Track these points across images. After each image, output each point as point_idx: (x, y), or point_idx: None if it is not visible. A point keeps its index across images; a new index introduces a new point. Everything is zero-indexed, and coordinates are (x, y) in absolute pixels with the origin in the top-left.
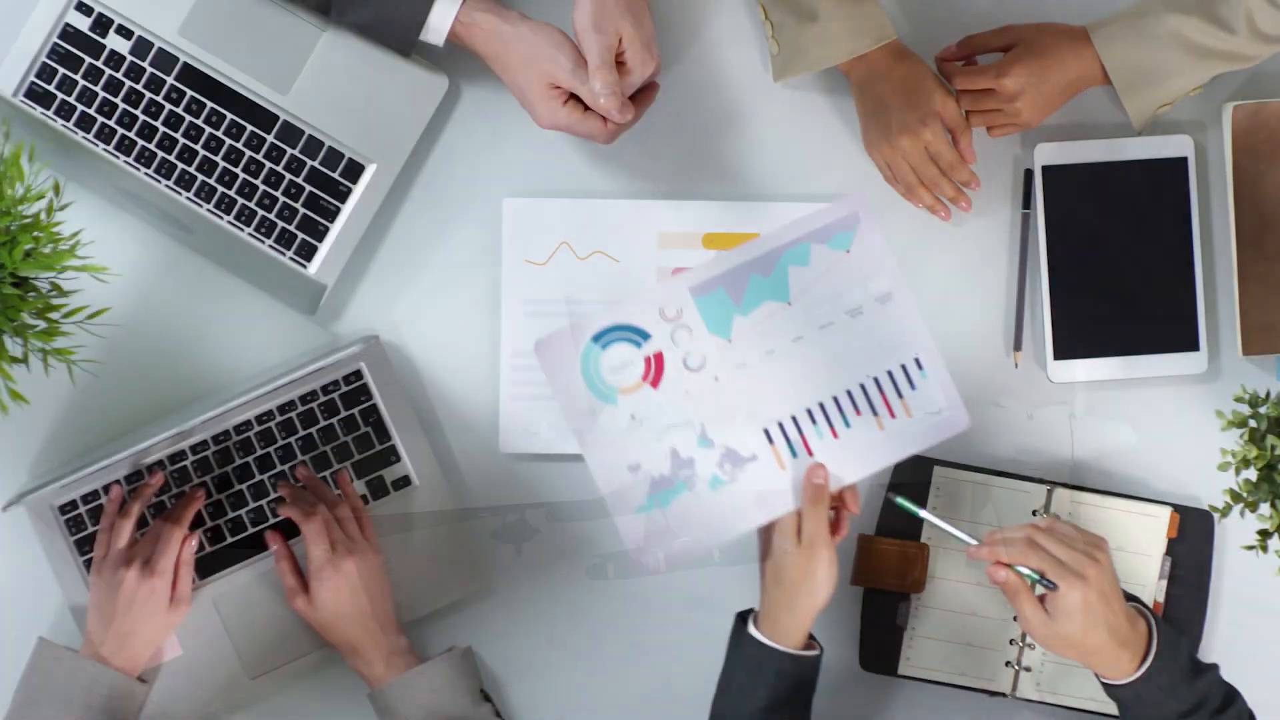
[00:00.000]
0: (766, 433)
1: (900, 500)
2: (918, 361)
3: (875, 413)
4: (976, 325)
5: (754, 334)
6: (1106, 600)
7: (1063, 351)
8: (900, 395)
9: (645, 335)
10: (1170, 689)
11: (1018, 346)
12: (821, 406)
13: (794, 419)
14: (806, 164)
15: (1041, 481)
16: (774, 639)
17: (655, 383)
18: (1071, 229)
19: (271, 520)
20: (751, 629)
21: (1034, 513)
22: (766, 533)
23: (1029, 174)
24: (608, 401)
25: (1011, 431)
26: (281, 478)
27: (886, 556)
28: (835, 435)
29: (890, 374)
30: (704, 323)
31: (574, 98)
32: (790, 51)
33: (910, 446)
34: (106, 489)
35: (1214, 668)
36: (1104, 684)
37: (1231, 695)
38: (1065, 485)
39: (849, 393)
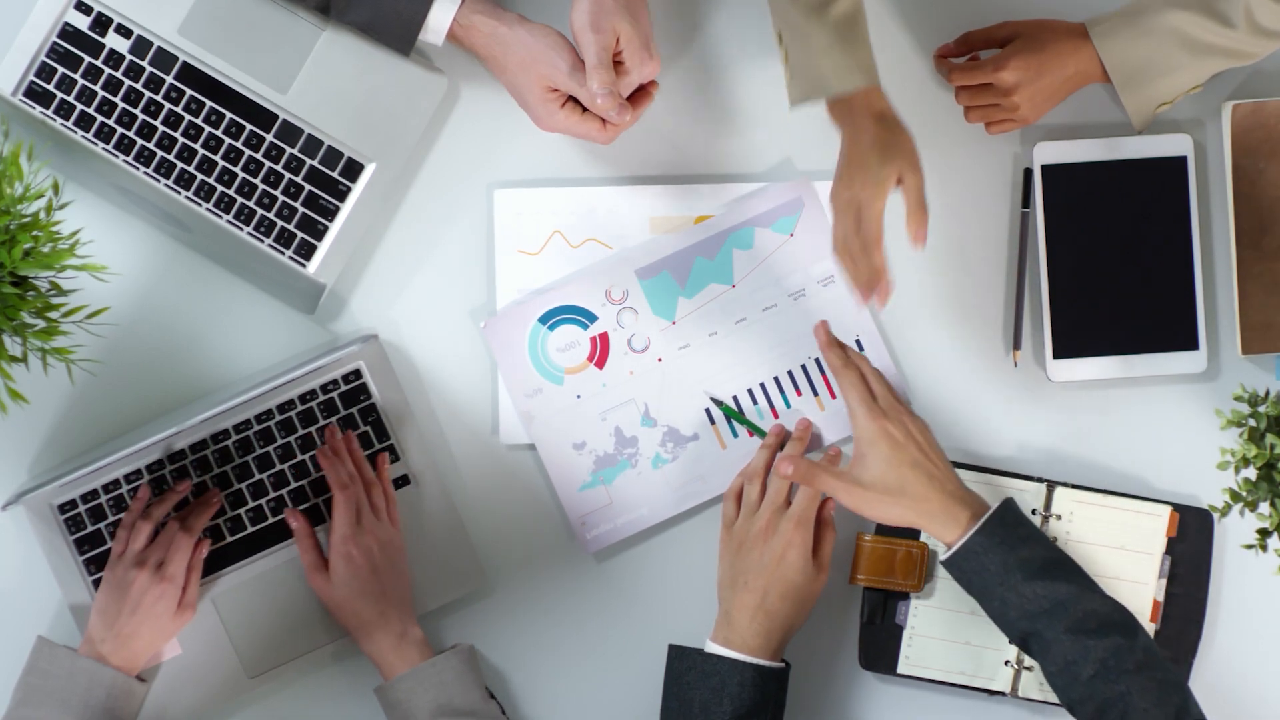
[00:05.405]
0: (708, 413)
1: (723, 406)
2: (859, 343)
3: (816, 393)
4: (976, 324)
5: (698, 316)
6: (917, 444)
7: (1062, 350)
8: None
9: (592, 317)
10: (1001, 573)
11: (1017, 345)
12: (763, 387)
13: (735, 399)
14: (799, 149)
15: (1041, 481)
16: (739, 650)
17: (600, 363)
18: (1071, 228)
19: (271, 519)
20: (711, 645)
21: (1033, 511)
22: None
23: (1028, 173)
24: (554, 381)
25: (1011, 431)
26: (330, 432)
27: (886, 556)
28: (776, 415)
29: None
30: (649, 305)
31: (573, 100)
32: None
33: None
34: (126, 488)
35: (1095, 594)
36: (941, 563)
37: (1121, 626)
38: (1065, 484)
39: (790, 373)
